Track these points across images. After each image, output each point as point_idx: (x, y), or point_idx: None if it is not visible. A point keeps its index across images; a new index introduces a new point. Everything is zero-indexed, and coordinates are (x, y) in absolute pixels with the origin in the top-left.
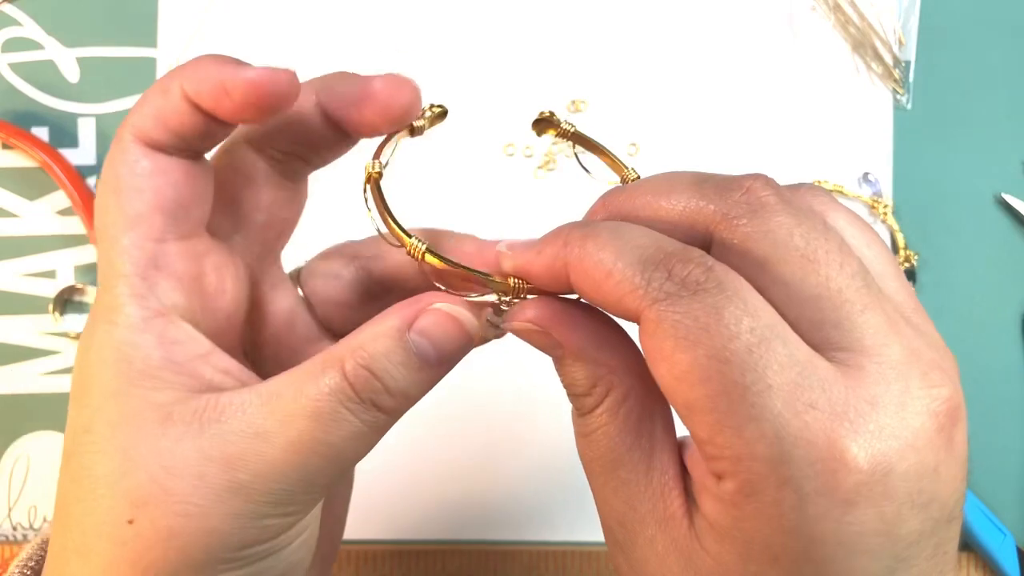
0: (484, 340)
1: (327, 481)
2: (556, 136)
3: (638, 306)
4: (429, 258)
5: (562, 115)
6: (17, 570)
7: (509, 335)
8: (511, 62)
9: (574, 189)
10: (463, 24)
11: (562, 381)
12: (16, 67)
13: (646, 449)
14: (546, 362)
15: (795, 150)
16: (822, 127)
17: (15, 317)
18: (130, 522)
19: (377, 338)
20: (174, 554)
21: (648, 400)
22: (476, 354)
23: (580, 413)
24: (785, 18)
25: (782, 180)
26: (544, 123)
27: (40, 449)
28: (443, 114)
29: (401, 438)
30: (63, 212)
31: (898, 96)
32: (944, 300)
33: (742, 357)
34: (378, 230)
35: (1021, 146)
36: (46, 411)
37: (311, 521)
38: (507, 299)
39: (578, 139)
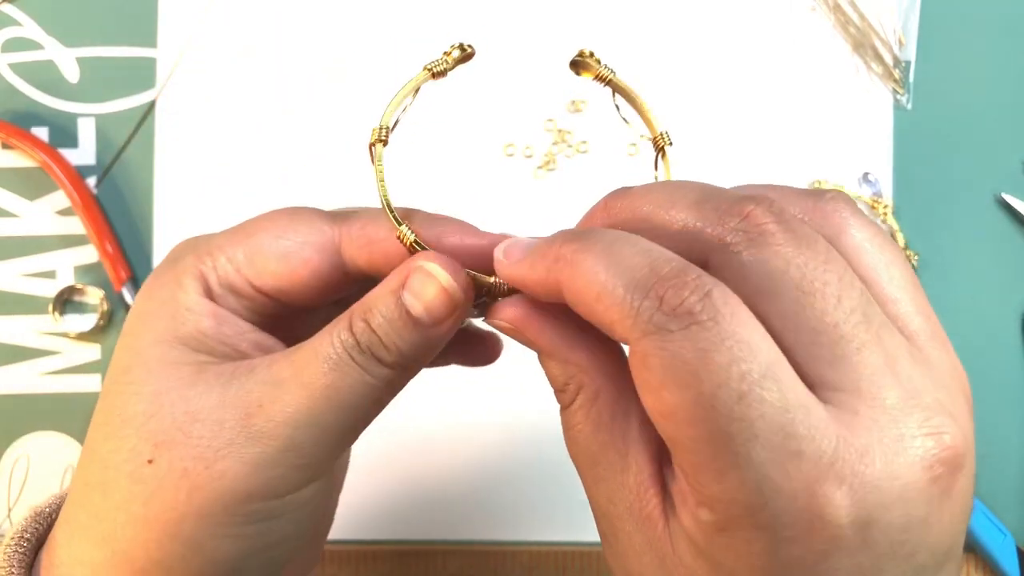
0: (466, 315)
1: (336, 435)
2: (594, 79)
3: (628, 335)
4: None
5: (562, 116)
6: (14, 542)
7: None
8: (511, 62)
9: (574, 189)
10: (463, 24)
11: (545, 375)
12: (16, 67)
13: (620, 448)
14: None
15: (795, 150)
16: (822, 127)
17: (15, 317)
18: (150, 462)
19: (379, 296)
20: (183, 496)
21: (622, 400)
22: None
23: (561, 408)
24: (785, 18)
25: (781, 180)
26: (582, 65)
27: (40, 449)
28: (468, 56)
29: (401, 438)
30: (63, 212)
31: (898, 96)
32: (944, 300)
33: (730, 407)
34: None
35: (1021, 146)
36: (46, 411)
37: (315, 494)
38: (483, 299)
39: (616, 87)
